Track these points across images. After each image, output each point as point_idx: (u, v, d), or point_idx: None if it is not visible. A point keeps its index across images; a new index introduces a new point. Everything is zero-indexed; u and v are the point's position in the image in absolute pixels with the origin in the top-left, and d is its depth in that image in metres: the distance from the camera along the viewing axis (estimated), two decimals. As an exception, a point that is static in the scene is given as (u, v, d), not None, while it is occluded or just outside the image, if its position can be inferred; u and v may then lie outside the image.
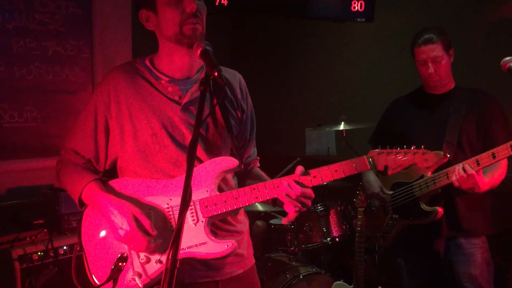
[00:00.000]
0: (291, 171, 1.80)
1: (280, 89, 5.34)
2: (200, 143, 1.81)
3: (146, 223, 1.68)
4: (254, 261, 2.01)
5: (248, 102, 1.99)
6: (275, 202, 1.84)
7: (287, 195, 1.70)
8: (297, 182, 1.71)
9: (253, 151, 2.05)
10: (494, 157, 2.44)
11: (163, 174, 1.79)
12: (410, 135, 2.80)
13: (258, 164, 2.08)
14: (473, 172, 2.45)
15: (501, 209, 2.92)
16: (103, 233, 1.77)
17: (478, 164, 2.47)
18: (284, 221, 1.78)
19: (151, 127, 1.79)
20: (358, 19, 3.80)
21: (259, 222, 4.04)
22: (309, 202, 1.72)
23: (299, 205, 1.71)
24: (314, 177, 1.73)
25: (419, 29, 2.78)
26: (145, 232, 1.67)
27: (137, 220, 1.68)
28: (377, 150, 1.79)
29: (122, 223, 1.67)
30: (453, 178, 2.52)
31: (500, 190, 2.66)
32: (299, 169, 1.74)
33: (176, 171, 1.79)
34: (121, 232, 1.67)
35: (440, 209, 2.64)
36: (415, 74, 2.85)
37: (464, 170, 2.47)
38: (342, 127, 3.80)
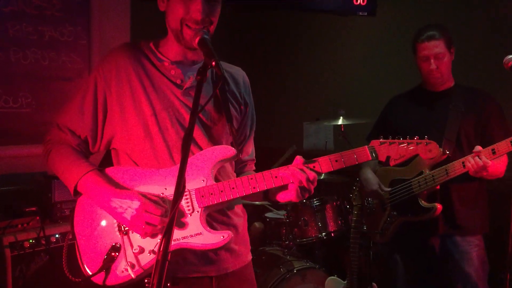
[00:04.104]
0: (288, 162, 1.77)
1: (279, 83, 5.31)
2: (202, 131, 1.78)
3: (154, 197, 1.64)
4: (251, 257, 1.96)
5: (250, 99, 1.96)
6: (267, 194, 1.80)
7: (300, 181, 1.65)
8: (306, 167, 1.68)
9: (251, 151, 2.00)
10: (494, 153, 2.45)
11: (159, 157, 1.74)
12: (409, 132, 2.76)
13: (254, 168, 2.03)
14: (489, 161, 2.43)
15: (499, 208, 2.90)
16: (97, 222, 1.73)
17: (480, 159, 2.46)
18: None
19: (152, 107, 1.74)
20: (360, 13, 3.77)
21: (257, 224, 4.01)
22: (312, 188, 1.70)
23: (308, 190, 1.68)
24: (314, 167, 1.70)
25: (421, 25, 2.78)
26: (157, 204, 1.63)
27: (145, 196, 1.64)
28: (378, 140, 1.76)
29: (132, 201, 1.62)
30: (469, 165, 2.49)
31: (498, 189, 2.65)
32: (299, 158, 1.71)
33: (174, 155, 1.74)
34: (132, 209, 1.61)
35: (439, 206, 2.64)
36: (415, 70, 2.83)
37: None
38: (340, 121, 3.78)
